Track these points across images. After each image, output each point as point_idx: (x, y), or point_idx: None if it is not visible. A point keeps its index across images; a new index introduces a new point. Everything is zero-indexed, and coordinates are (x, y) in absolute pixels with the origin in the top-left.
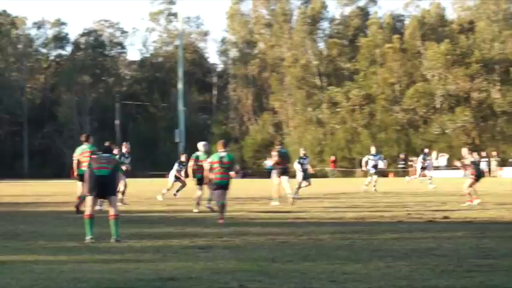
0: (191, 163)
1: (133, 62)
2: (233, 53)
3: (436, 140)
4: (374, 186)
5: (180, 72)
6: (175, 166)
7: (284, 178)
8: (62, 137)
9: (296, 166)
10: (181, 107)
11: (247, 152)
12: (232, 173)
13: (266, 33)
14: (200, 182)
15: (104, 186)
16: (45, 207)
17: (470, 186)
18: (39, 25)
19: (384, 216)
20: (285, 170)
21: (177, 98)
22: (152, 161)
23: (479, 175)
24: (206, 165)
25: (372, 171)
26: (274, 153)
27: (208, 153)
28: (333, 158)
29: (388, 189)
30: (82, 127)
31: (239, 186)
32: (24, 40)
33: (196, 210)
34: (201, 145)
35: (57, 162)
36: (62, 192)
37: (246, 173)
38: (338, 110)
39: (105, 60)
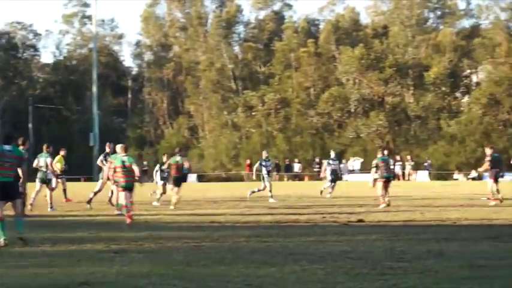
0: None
1: (46, 65)
2: (148, 56)
3: (351, 144)
4: (329, 192)
5: (94, 75)
6: (157, 168)
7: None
8: None
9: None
10: (95, 110)
11: (162, 156)
12: (136, 174)
13: (181, 37)
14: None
15: (7, 192)
16: None
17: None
18: None
19: (299, 220)
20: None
21: (92, 101)
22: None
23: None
24: (107, 169)
25: (330, 177)
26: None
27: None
28: (248, 161)
29: (304, 192)
30: None
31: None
32: None
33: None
34: (119, 147)
35: None
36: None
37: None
38: (253, 113)
39: (17, 62)
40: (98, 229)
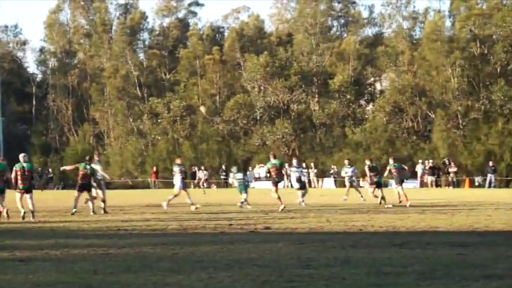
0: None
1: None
2: (52, 62)
3: (257, 151)
4: (302, 201)
5: None
6: (176, 169)
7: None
8: None
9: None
10: None
11: (67, 163)
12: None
13: (85, 43)
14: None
15: None
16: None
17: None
18: None
19: (206, 227)
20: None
21: None
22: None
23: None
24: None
25: (296, 185)
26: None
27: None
28: (154, 168)
29: (210, 200)
30: None
31: (58, 198)
32: None
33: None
34: (21, 156)
35: None
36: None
37: (66, 184)
38: (159, 121)
39: None
40: (2, 236)
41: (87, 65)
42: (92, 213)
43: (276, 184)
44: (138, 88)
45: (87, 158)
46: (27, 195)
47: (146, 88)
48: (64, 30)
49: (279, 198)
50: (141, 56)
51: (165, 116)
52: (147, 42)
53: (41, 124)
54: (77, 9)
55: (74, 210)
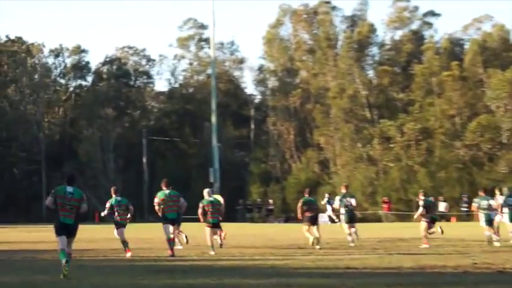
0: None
1: (161, 93)
2: (272, 82)
3: (504, 180)
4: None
5: (213, 104)
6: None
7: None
8: (83, 177)
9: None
10: (215, 142)
11: (290, 194)
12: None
13: (308, 60)
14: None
15: (69, 231)
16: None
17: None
18: (56, 53)
19: (446, 266)
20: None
21: (211, 132)
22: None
23: None
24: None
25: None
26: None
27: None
28: (386, 199)
29: (451, 235)
30: (105, 165)
31: (281, 232)
32: (40, 69)
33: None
34: (206, 192)
35: None
36: (84, 238)
37: (289, 217)
38: (391, 145)
39: (130, 91)
40: (221, 275)
41: (311, 84)
42: (316, 246)
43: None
44: (367, 109)
45: (307, 189)
46: (216, 230)
47: (376, 109)
48: (285, 46)
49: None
50: (370, 73)
51: (398, 140)
52: (376, 58)
53: (260, 150)
54: (298, 23)
55: (313, 241)
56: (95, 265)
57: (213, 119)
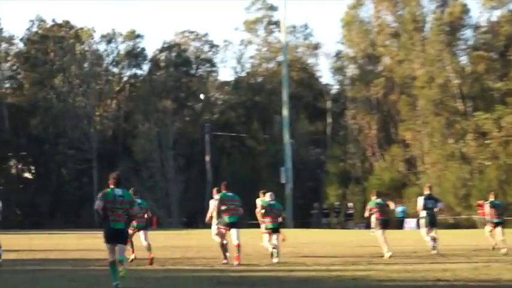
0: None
1: (225, 83)
2: (351, 70)
3: None
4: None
5: (285, 96)
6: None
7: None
8: (139, 177)
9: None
10: (287, 139)
11: (371, 196)
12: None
13: (392, 45)
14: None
15: (118, 237)
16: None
17: None
18: (109, 38)
19: None
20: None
21: (282, 127)
22: (252, 207)
23: None
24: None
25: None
26: None
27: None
28: (481, 202)
29: None
30: (164, 164)
31: (362, 239)
32: (91, 57)
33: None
34: (268, 195)
35: None
36: (141, 246)
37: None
38: (487, 141)
39: (190, 81)
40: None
41: (395, 73)
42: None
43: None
44: (459, 100)
45: (374, 192)
46: (275, 235)
47: (470, 100)
48: (365, 30)
49: None
50: (463, 59)
51: (495, 135)
52: (470, 42)
53: (338, 147)
54: (381, 3)
55: (388, 254)
56: (154, 276)
57: (285, 112)
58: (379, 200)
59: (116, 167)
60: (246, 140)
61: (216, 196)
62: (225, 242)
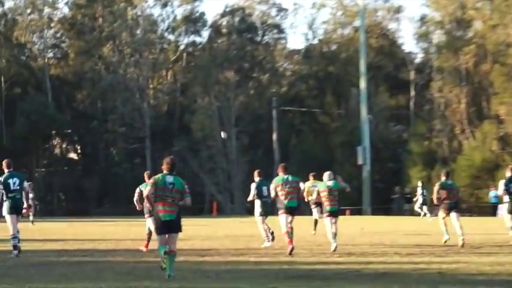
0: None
1: (295, 52)
2: (438, 37)
3: None
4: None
5: (362, 66)
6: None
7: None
8: (197, 158)
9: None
10: (364, 114)
11: (461, 179)
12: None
13: (485, 8)
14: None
15: (170, 227)
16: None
17: None
18: (164, 2)
19: None
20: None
21: (359, 101)
22: None
23: None
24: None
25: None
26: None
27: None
28: None
29: None
30: (225, 144)
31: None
32: (144, 23)
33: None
34: (326, 175)
35: (193, 192)
36: (200, 235)
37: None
38: None
39: (256, 49)
40: (373, 283)
41: (487, 39)
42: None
43: None
44: None
45: (444, 171)
46: (334, 219)
47: None
48: None
49: None
50: None
51: None
52: None
53: (423, 123)
54: None
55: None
56: (214, 269)
57: (362, 84)
58: (449, 181)
59: (172, 147)
60: (318, 116)
61: (257, 179)
62: (289, 228)
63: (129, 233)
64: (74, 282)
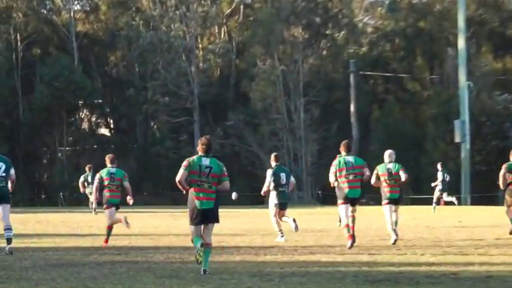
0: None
1: (378, 4)
2: None
3: None
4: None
5: (461, 21)
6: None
7: None
8: (257, 133)
9: None
10: (463, 80)
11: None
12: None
13: None
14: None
15: (207, 216)
16: (237, 254)
17: None
18: None
19: None
20: None
21: (457, 65)
22: (417, 174)
23: None
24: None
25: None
26: None
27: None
28: None
29: None
30: (291, 117)
31: None
32: None
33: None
34: (387, 155)
35: (251, 177)
36: (260, 229)
37: None
38: None
39: (329, 0)
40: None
41: None
42: None
43: None
44: None
45: None
46: (394, 207)
47: None
48: None
49: None
50: None
51: None
52: None
53: None
54: None
55: None
56: (278, 271)
57: (461, 43)
58: None
59: (225, 120)
60: (406, 83)
61: (273, 164)
62: (350, 221)
63: (173, 227)
64: (105, 286)
